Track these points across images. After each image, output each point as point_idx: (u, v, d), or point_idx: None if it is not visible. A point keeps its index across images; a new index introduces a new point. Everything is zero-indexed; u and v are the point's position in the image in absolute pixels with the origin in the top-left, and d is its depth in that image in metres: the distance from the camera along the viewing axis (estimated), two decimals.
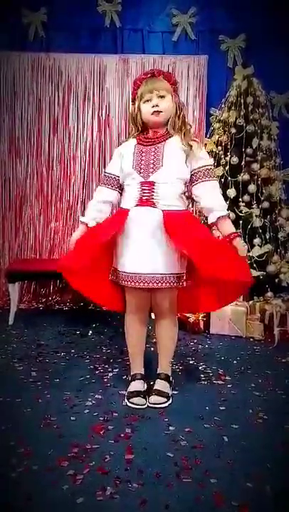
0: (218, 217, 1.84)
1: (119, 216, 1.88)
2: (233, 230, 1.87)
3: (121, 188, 1.96)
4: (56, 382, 2.13)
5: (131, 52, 3.72)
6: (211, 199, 1.87)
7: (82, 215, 3.67)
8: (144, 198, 1.81)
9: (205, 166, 1.86)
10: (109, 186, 1.97)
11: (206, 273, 1.77)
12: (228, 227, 1.86)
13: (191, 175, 1.86)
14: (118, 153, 1.95)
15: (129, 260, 1.83)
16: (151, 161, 1.81)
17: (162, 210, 1.80)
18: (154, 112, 1.83)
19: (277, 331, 2.84)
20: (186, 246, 1.76)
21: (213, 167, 1.90)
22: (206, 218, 1.95)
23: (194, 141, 1.87)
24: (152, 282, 1.81)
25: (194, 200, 1.96)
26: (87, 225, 1.96)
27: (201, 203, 1.89)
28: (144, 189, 1.81)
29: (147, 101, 1.85)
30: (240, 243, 1.84)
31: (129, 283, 1.84)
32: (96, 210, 1.99)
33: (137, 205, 1.82)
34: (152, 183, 1.80)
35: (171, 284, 1.84)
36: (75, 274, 1.86)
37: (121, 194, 1.97)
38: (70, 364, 2.38)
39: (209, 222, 1.91)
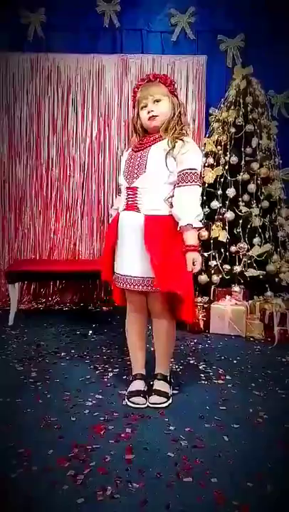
0: (180, 227, 1.76)
1: (113, 220, 1.96)
2: (192, 242, 1.75)
3: None
4: (56, 382, 2.13)
5: (130, 52, 3.72)
6: (179, 206, 1.76)
7: (82, 215, 3.75)
8: (129, 202, 1.86)
9: (184, 169, 1.76)
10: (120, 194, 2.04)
11: (157, 285, 1.76)
12: (187, 238, 1.76)
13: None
14: (121, 162, 2.01)
15: (120, 263, 1.91)
16: (136, 167, 1.84)
17: (144, 215, 1.80)
18: (150, 117, 1.86)
19: (277, 331, 2.84)
20: (153, 253, 1.75)
21: (194, 170, 1.76)
22: None
23: (181, 140, 1.79)
24: (142, 285, 1.85)
25: None
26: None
27: (172, 209, 1.80)
28: (129, 194, 1.86)
29: (144, 107, 1.88)
30: (189, 258, 1.75)
31: (121, 285, 1.91)
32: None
33: (124, 210, 1.89)
34: (135, 189, 1.83)
35: (151, 287, 1.82)
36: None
37: None
38: (70, 364, 2.38)
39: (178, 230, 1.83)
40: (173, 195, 1.81)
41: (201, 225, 1.83)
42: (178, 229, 1.77)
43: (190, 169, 1.76)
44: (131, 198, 1.85)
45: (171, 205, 1.80)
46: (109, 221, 2.08)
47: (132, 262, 1.85)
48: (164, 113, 1.86)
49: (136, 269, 1.84)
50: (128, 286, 1.88)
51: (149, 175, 1.80)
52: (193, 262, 1.75)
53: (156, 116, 1.85)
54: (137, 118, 1.93)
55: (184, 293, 1.80)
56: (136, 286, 1.86)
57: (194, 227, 1.74)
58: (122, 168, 1.95)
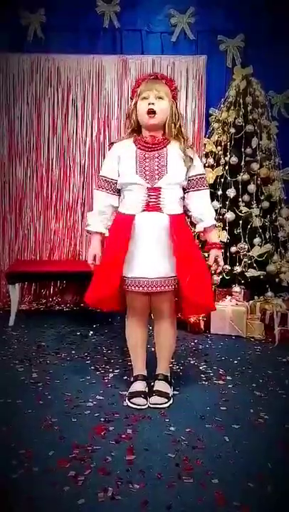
0: (205, 228, 1.93)
1: (125, 224, 1.86)
2: (216, 240, 1.97)
3: (118, 192, 1.94)
4: (57, 383, 2.13)
5: (130, 52, 3.71)
6: (202, 209, 1.92)
7: (82, 215, 3.75)
8: (150, 203, 1.83)
9: (198, 174, 1.91)
10: (109, 191, 1.93)
11: (181, 284, 1.84)
12: (212, 237, 1.96)
13: (187, 182, 1.90)
14: (114, 156, 1.91)
15: (137, 265, 1.84)
16: (156, 168, 1.83)
17: (168, 215, 1.84)
18: (150, 111, 1.81)
19: (277, 331, 2.84)
20: (181, 252, 1.83)
21: (205, 175, 1.95)
22: (192, 224, 2.05)
23: (191, 148, 1.90)
24: (158, 286, 1.84)
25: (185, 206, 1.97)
26: (101, 233, 1.93)
27: (191, 211, 1.94)
28: (151, 195, 1.83)
29: (145, 98, 1.84)
30: (213, 254, 1.92)
31: (137, 288, 1.86)
32: (104, 219, 1.95)
33: (143, 211, 1.84)
34: (159, 189, 1.83)
35: (173, 286, 1.87)
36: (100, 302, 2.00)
37: (118, 198, 1.95)
38: (71, 365, 2.38)
39: (197, 231, 2.01)
40: (183, 197, 1.91)
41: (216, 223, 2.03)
42: (199, 229, 1.94)
43: (202, 174, 1.93)
44: (153, 198, 1.83)
45: (182, 205, 1.92)
46: (100, 230, 1.92)
47: (152, 263, 1.82)
48: (163, 112, 1.84)
49: (158, 270, 1.83)
50: (146, 288, 1.84)
51: (170, 176, 1.84)
52: (216, 259, 1.91)
53: (155, 113, 1.82)
54: (134, 109, 1.88)
55: (205, 287, 1.89)
56: (156, 288, 1.84)
57: (216, 227, 1.98)
58: (127, 166, 1.85)
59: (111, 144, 2.00)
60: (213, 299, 2.00)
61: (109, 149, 2.01)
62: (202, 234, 1.99)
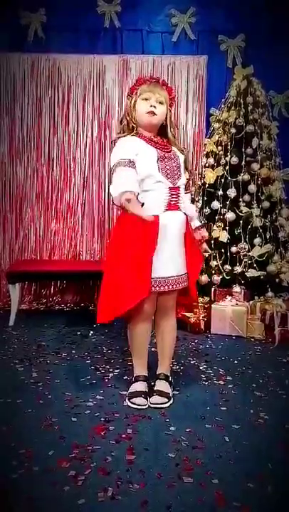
0: (197, 225, 2.09)
1: (149, 226, 1.76)
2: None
3: None
4: (57, 383, 2.13)
5: (130, 52, 3.71)
6: (191, 210, 2.07)
7: (83, 215, 3.75)
8: (172, 202, 1.87)
9: (187, 179, 2.02)
10: (135, 170, 1.77)
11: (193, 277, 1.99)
12: (203, 232, 2.13)
13: None
14: (131, 149, 1.79)
15: (162, 265, 1.84)
16: (175, 168, 1.88)
17: (184, 213, 1.92)
18: (150, 111, 1.86)
19: (277, 331, 2.84)
20: (192, 249, 1.98)
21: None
22: None
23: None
24: (179, 284, 1.91)
25: None
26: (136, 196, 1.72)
27: (190, 211, 2.06)
28: (173, 194, 1.87)
29: (145, 99, 1.87)
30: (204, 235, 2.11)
31: (164, 287, 1.87)
32: (137, 190, 1.75)
33: (166, 210, 1.85)
34: (178, 189, 1.89)
35: (186, 283, 1.95)
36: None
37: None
38: (71, 365, 2.38)
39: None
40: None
41: None
42: (195, 226, 2.06)
43: (188, 179, 2.04)
44: (174, 197, 1.87)
45: None
46: (129, 193, 1.65)
47: (174, 261, 1.88)
48: (162, 117, 1.91)
49: (178, 268, 1.90)
50: (171, 286, 1.88)
51: (184, 177, 1.94)
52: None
53: (156, 114, 1.87)
54: (133, 106, 1.89)
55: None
56: (174, 286, 1.89)
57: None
58: (147, 163, 1.78)
59: (114, 140, 1.94)
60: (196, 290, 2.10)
61: (113, 145, 1.91)
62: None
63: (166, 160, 1.85)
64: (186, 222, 1.94)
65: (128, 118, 1.91)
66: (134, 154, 1.78)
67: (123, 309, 1.82)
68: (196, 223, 2.07)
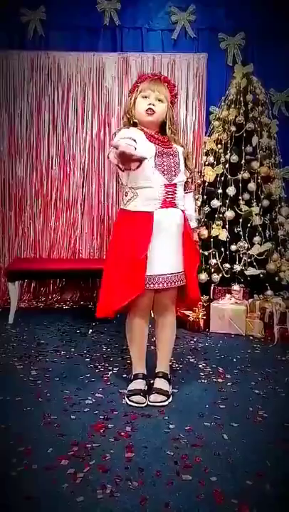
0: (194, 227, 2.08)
1: (143, 222, 1.81)
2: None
3: None
4: (56, 380, 2.14)
5: (130, 50, 3.70)
6: (190, 210, 2.06)
7: (82, 213, 3.74)
8: (167, 199, 1.86)
9: (189, 177, 2.01)
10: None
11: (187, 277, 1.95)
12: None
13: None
14: (133, 134, 1.75)
15: (157, 263, 1.84)
16: (172, 165, 1.87)
17: (181, 210, 1.92)
18: (149, 109, 1.85)
19: (277, 329, 2.84)
20: (189, 247, 1.96)
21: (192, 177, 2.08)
22: None
23: (187, 152, 2.02)
24: (175, 281, 1.89)
25: None
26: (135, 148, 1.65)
27: (189, 211, 2.05)
28: (168, 191, 1.86)
29: (145, 97, 1.87)
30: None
31: (159, 285, 1.86)
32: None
33: (161, 207, 1.84)
34: (175, 185, 1.88)
35: (183, 281, 1.93)
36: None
37: None
38: (70, 363, 2.38)
39: None
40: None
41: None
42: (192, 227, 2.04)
43: (192, 177, 2.05)
44: (170, 194, 1.86)
45: None
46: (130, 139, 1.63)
47: (170, 259, 1.87)
48: (161, 114, 1.89)
49: (173, 266, 1.88)
50: (166, 284, 1.87)
51: (181, 174, 1.91)
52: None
53: (154, 112, 1.86)
54: (133, 104, 1.91)
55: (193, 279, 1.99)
56: (170, 284, 1.87)
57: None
58: (146, 147, 1.75)
59: (116, 131, 1.90)
60: (199, 291, 2.07)
61: (114, 136, 1.84)
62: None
63: (164, 156, 1.85)
64: (184, 220, 1.93)
65: (128, 115, 1.93)
66: (135, 140, 1.70)
67: (118, 305, 1.86)
68: (191, 224, 2.05)
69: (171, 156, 1.87)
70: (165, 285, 1.86)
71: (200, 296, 2.12)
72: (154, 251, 1.83)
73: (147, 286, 1.85)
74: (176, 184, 1.87)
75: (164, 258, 1.85)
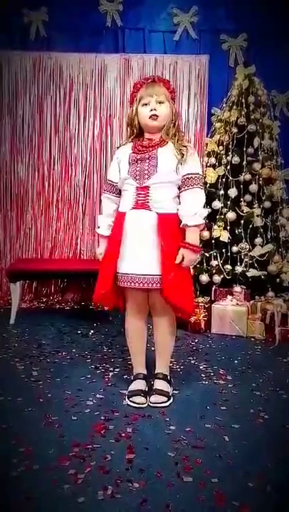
0: (184, 225, 1.86)
1: (118, 221, 1.94)
2: (188, 240, 1.84)
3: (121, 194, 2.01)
4: (57, 381, 2.14)
5: (132, 51, 3.72)
6: (184, 208, 1.87)
7: (84, 214, 3.75)
8: (139, 201, 1.87)
9: (189, 173, 1.86)
10: (114, 194, 2.03)
11: (165, 285, 1.83)
12: (188, 236, 1.86)
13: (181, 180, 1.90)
14: (116, 160, 2.00)
15: (126, 261, 1.88)
16: (146, 168, 1.86)
17: (157, 213, 1.85)
18: (152, 115, 1.86)
19: (278, 331, 2.84)
20: (165, 251, 1.83)
21: (198, 174, 1.89)
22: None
23: (185, 147, 1.89)
24: (148, 283, 1.85)
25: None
26: (108, 236, 2.04)
27: (178, 210, 1.90)
28: (140, 193, 1.87)
29: (145, 104, 1.88)
30: (179, 253, 1.83)
31: (126, 284, 1.88)
32: (111, 222, 2.03)
33: (132, 208, 1.88)
34: (147, 188, 1.86)
35: (159, 284, 1.85)
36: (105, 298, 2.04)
37: None
38: (71, 363, 2.38)
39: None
40: (179, 196, 1.91)
41: (199, 223, 1.87)
42: (182, 228, 1.88)
43: (193, 173, 1.87)
44: (142, 197, 1.86)
45: (177, 204, 1.91)
46: (104, 233, 2.05)
47: (138, 259, 1.85)
48: (165, 116, 1.89)
49: (142, 267, 1.85)
50: (134, 284, 1.86)
51: (160, 175, 1.85)
52: (183, 258, 1.83)
53: (158, 116, 1.87)
54: (136, 114, 1.92)
55: (184, 295, 1.89)
56: (142, 284, 1.85)
57: (194, 226, 1.85)
58: (123, 168, 1.91)
59: (117, 148, 2.08)
60: (192, 303, 1.98)
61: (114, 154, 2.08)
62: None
63: (138, 162, 1.87)
64: (162, 222, 1.83)
65: (130, 127, 1.97)
66: (117, 166, 1.97)
67: (96, 298, 2.06)
68: (188, 223, 1.85)
69: (147, 160, 1.86)
70: (133, 285, 1.86)
71: (191, 307, 1.96)
72: (125, 250, 1.88)
73: (120, 283, 1.90)
74: (148, 187, 1.85)
75: (133, 258, 1.86)
